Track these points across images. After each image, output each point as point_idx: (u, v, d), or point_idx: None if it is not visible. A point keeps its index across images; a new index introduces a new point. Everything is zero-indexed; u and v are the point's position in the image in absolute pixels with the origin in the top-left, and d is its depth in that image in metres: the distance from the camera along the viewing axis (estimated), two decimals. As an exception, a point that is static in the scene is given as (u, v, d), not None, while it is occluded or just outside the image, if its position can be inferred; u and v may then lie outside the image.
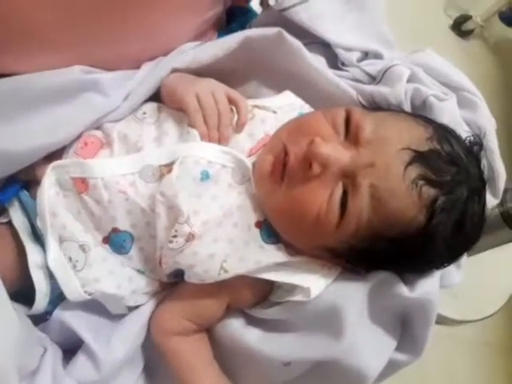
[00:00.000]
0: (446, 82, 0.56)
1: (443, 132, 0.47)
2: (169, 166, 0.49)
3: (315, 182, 0.45)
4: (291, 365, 0.48)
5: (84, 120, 0.50)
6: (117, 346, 0.49)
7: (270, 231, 0.49)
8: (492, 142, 0.54)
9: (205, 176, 0.48)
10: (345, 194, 0.44)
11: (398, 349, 0.50)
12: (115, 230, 0.49)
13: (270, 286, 0.51)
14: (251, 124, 0.52)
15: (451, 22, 2.10)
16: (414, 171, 0.43)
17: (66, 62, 0.50)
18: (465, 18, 2.05)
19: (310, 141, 0.45)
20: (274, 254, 0.47)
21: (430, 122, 0.48)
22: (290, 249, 0.49)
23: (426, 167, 0.43)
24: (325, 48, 0.58)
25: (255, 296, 0.51)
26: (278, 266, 0.48)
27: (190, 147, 0.49)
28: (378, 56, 0.57)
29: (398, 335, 0.51)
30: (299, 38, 0.55)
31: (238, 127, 0.52)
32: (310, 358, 0.48)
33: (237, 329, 0.50)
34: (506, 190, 0.78)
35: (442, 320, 0.99)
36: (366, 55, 0.59)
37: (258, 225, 0.48)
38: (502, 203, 0.89)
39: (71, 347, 0.51)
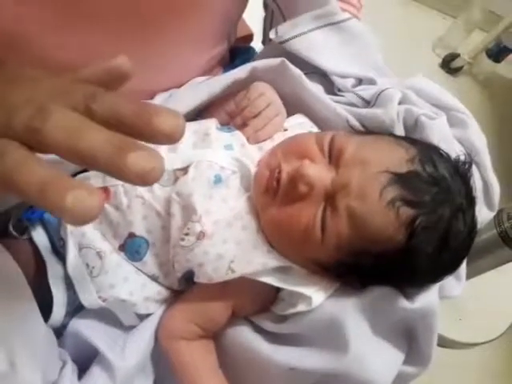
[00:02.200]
0: (435, 103, 0.60)
1: (428, 152, 0.49)
2: (183, 170, 0.52)
3: (304, 200, 0.48)
4: (297, 370, 0.49)
5: None
6: (130, 353, 0.50)
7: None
8: (484, 158, 0.57)
9: (218, 179, 0.52)
10: (324, 214, 0.47)
11: (406, 362, 0.51)
12: (131, 236, 0.52)
13: (274, 294, 0.53)
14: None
15: (440, 60, 2.20)
16: (391, 193, 0.45)
17: None
18: (453, 56, 2.14)
19: (299, 163, 0.48)
20: (279, 259, 0.49)
21: (415, 143, 0.50)
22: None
23: (403, 188, 0.45)
24: (322, 77, 0.63)
25: (259, 301, 0.53)
26: (282, 274, 0.50)
27: (203, 153, 0.53)
28: (371, 82, 0.62)
29: (405, 348, 0.52)
30: (299, 68, 0.59)
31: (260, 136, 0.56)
32: (317, 368, 0.48)
33: (246, 336, 0.52)
34: (501, 210, 0.81)
35: (445, 343, 0.99)
36: (360, 82, 0.63)
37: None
38: (499, 224, 0.91)
39: (86, 361, 0.52)
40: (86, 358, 0.52)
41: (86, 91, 0.28)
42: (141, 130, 0.28)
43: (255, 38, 0.85)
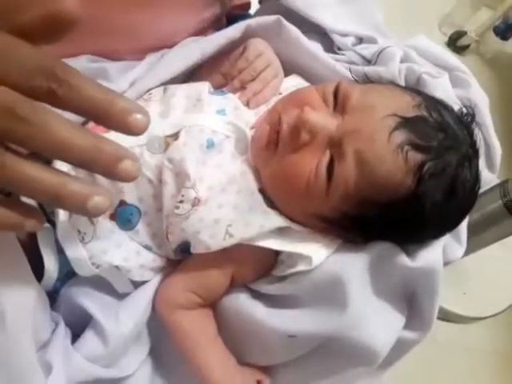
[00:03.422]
0: (437, 62, 0.58)
1: (433, 102, 0.48)
2: (174, 136, 0.50)
3: (305, 150, 0.47)
4: (296, 337, 0.48)
5: None
6: (124, 320, 0.49)
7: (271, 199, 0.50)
8: (486, 117, 0.56)
9: (210, 144, 0.50)
10: (331, 161, 0.46)
11: (406, 326, 0.50)
12: (122, 203, 0.50)
13: (273, 258, 0.52)
14: None
15: (446, 38, 2.16)
16: (400, 137, 0.43)
17: (77, 52, 0.53)
18: (460, 34, 2.10)
19: (300, 110, 0.47)
20: (276, 219, 0.48)
21: (420, 93, 0.50)
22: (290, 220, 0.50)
23: (411, 133, 0.44)
24: (321, 36, 0.61)
25: (259, 268, 0.52)
26: (280, 236, 0.49)
27: (194, 118, 0.51)
28: (372, 41, 0.60)
29: (405, 312, 0.50)
30: (296, 27, 0.57)
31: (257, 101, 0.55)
32: (316, 331, 0.47)
33: (242, 302, 0.51)
34: (506, 181, 0.79)
35: (449, 317, 0.98)
36: (360, 41, 0.61)
37: (262, 191, 0.50)
38: (504, 194, 0.89)
39: (79, 327, 0.51)
40: (79, 324, 0.51)
41: (42, 66, 0.28)
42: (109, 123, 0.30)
43: (252, 7, 0.82)
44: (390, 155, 0.44)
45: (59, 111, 0.28)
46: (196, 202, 0.48)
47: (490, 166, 0.56)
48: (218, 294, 0.52)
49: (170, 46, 0.59)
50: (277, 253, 0.51)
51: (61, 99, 0.28)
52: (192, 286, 0.51)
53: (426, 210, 0.45)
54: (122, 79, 0.54)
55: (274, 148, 0.48)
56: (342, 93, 0.48)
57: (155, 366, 0.54)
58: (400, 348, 0.49)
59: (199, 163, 0.49)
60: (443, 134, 0.45)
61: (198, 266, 0.51)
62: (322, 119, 0.46)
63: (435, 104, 0.48)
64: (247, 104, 0.55)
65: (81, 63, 0.53)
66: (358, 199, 0.45)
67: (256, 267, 0.52)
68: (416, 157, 0.44)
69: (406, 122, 0.44)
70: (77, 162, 0.29)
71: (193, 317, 0.51)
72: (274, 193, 0.49)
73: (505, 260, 1.09)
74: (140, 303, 0.51)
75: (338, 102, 0.48)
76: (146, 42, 0.58)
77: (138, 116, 0.29)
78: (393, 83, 0.53)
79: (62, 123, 0.28)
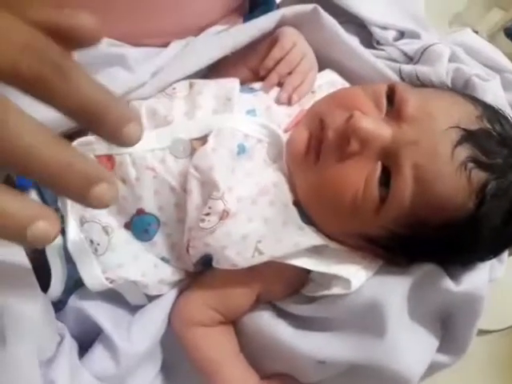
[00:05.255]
0: (487, 63, 0.54)
1: (493, 111, 0.44)
2: (202, 140, 0.45)
3: (352, 160, 0.41)
4: (326, 363, 0.44)
5: None
6: (138, 337, 0.45)
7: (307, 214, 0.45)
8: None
9: (241, 150, 0.45)
10: (385, 174, 0.41)
11: (439, 350, 0.46)
12: (140, 212, 0.45)
13: (305, 277, 0.47)
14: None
15: (456, 37, 2.12)
16: (464, 152, 0.39)
17: None
18: (470, 34, 2.07)
19: (349, 115, 0.41)
20: (313, 236, 0.43)
21: (477, 100, 0.45)
22: (327, 237, 0.45)
23: (476, 148, 0.39)
24: (358, 28, 0.56)
25: (288, 287, 0.47)
26: (315, 254, 0.44)
27: (225, 119, 0.46)
28: (414, 35, 0.55)
29: (439, 335, 0.46)
30: (332, 17, 0.52)
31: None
32: (347, 359, 0.43)
33: (268, 322, 0.46)
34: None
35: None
36: (401, 35, 0.56)
37: (297, 204, 0.45)
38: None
39: (87, 339, 0.47)
40: (87, 336, 0.47)
41: (36, 44, 0.21)
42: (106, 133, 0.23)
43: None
44: (452, 173, 0.39)
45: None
46: (224, 215, 0.43)
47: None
48: (241, 313, 0.47)
49: (195, 33, 0.54)
50: (308, 270, 0.46)
51: (51, 90, 0.21)
52: (213, 304, 0.46)
53: (482, 234, 0.41)
54: (142, 68, 0.48)
55: (314, 157, 0.43)
56: (399, 97, 0.42)
57: (166, 383, 0.50)
58: (430, 370, 0.46)
59: (228, 171, 0.44)
60: (507, 150, 0.41)
61: (220, 283, 0.46)
62: (377, 127, 0.41)
63: (496, 114, 0.43)
64: (288, 101, 0.49)
65: (101, 47, 0.48)
66: (412, 219, 0.40)
67: (285, 286, 0.47)
68: (480, 176, 0.39)
69: (469, 136, 0.39)
70: (38, 180, 0.22)
71: (212, 333, 0.47)
72: (312, 207, 0.44)
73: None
74: (156, 319, 0.46)
75: (393, 107, 0.43)
76: (168, 23, 0.52)
77: (134, 127, 0.23)
78: (449, 88, 0.49)
79: (28, 125, 0.21)
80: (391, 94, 0.43)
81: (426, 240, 0.41)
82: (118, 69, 0.48)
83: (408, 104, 0.41)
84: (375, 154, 0.41)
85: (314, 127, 0.44)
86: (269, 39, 0.51)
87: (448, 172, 0.39)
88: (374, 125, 0.41)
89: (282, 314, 0.47)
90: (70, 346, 0.44)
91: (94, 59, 0.47)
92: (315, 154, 0.43)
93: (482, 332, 1.01)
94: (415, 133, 0.40)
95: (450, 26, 2.16)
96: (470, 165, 0.39)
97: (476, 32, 2.08)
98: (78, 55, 0.49)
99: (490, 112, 0.43)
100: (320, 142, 0.43)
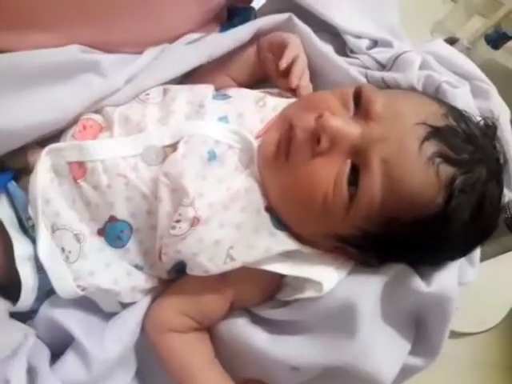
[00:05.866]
0: (457, 70, 0.54)
1: (457, 111, 0.45)
2: (173, 146, 0.45)
3: (321, 159, 0.42)
4: (299, 370, 0.44)
5: (81, 100, 0.47)
6: (110, 344, 0.44)
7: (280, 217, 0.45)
8: (506, 132, 0.52)
9: (212, 156, 0.45)
10: (354, 172, 0.41)
11: (412, 352, 0.47)
12: (112, 219, 0.45)
13: (278, 282, 0.47)
14: (262, 111, 0.49)
15: (438, 44, 2.14)
16: (431, 147, 0.40)
17: (65, 42, 0.48)
18: (452, 41, 2.09)
19: (318, 115, 0.42)
20: (284, 242, 0.43)
21: (442, 101, 0.46)
22: (300, 239, 0.45)
23: (443, 143, 0.40)
24: (332, 36, 0.57)
25: (262, 293, 0.47)
26: (287, 258, 0.44)
27: (196, 126, 0.46)
28: (387, 44, 0.56)
29: (412, 337, 0.47)
30: (306, 25, 0.53)
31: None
32: (320, 362, 0.44)
33: (242, 328, 0.47)
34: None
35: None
36: (375, 44, 0.57)
37: (269, 209, 0.45)
38: (504, 210, 0.87)
39: (60, 348, 0.46)
40: (59, 344, 0.46)
41: None
42: None
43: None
44: (420, 167, 0.40)
45: None
46: (195, 222, 0.43)
47: (508, 184, 0.53)
48: (216, 319, 0.47)
49: (171, 40, 0.54)
50: (282, 275, 0.46)
51: None
52: (187, 310, 0.46)
53: (452, 230, 0.41)
54: (117, 74, 0.48)
55: (284, 158, 0.44)
56: (365, 97, 0.43)
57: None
58: (404, 373, 0.46)
59: (199, 177, 0.44)
60: (472, 147, 0.41)
61: (193, 289, 0.46)
62: (346, 125, 0.42)
63: (460, 114, 0.44)
64: (296, 90, 0.52)
65: (72, 54, 0.47)
66: (383, 216, 0.41)
67: (259, 292, 0.47)
68: (447, 170, 0.40)
69: (436, 132, 0.40)
70: None
71: (187, 340, 0.47)
72: (284, 209, 0.44)
73: (496, 275, 1.08)
74: (128, 325, 0.46)
75: (361, 107, 0.43)
76: (144, 32, 0.52)
77: None
78: (415, 90, 0.50)
79: None
80: (358, 96, 0.44)
81: (397, 238, 0.42)
82: (92, 75, 0.48)
83: (375, 103, 0.42)
84: (344, 153, 0.42)
85: (284, 130, 0.44)
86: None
87: (416, 167, 0.40)
88: (343, 123, 0.42)
89: (257, 320, 0.47)
90: (35, 348, 0.44)
91: (67, 64, 0.47)
92: (285, 155, 0.43)
93: (463, 334, 1.03)
94: (383, 130, 0.41)
95: (431, 33, 2.19)
96: (438, 160, 0.40)
97: (457, 39, 2.11)
98: (50, 60, 0.49)
99: (455, 111, 0.44)
100: (289, 142, 0.43)
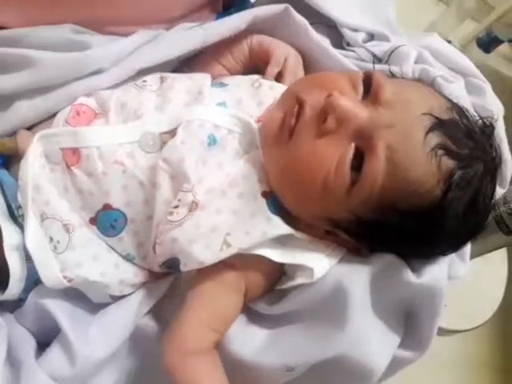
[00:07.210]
0: (452, 66, 0.55)
1: (459, 107, 0.45)
2: (171, 133, 0.45)
3: (326, 139, 0.41)
4: (295, 369, 0.44)
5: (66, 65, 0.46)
6: (96, 340, 0.43)
7: (276, 203, 0.45)
8: (500, 129, 0.53)
9: (212, 141, 0.45)
10: (358, 156, 0.41)
11: (402, 345, 0.47)
12: (107, 207, 0.44)
13: (280, 271, 0.47)
14: (259, 92, 0.49)
15: (430, 47, 2.16)
16: (435, 138, 0.40)
17: (59, 17, 0.47)
18: (444, 44, 2.12)
19: (327, 94, 0.42)
20: (279, 226, 0.43)
21: (444, 95, 0.46)
22: (294, 225, 0.45)
23: (446, 136, 0.40)
24: (329, 29, 0.57)
25: (268, 281, 0.47)
26: (281, 246, 0.44)
27: (195, 111, 0.46)
28: (384, 38, 0.56)
29: (402, 328, 0.47)
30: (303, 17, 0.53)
31: None
32: (315, 358, 0.43)
33: (232, 347, 0.44)
34: (497, 194, 0.77)
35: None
36: (371, 37, 0.57)
37: (265, 195, 0.44)
38: (494, 208, 0.88)
39: (47, 337, 0.45)
40: (46, 333, 0.45)
41: None
42: None
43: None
44: (424, 157, 0.40)
45: None
46: (193, 207, 0.42)
47: (500, 181, 0.53)
48: (232, 321, 0.45)
49: (165, 22, 0.53)
50: (282, 264, 0.46)
51: None
52: (208, 321, 0.43)
53: (446, 223, 0.42)
54: (97, 52, 0.47)
55: (287, 135, 0.43)
56: (376, 82, 0.43)
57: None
58: (394, 366, 0.46)
59: (199, 163, 0.44)
60: (473, 143, 0.42)
61: (207, 297, 0.44)
62: (354, 107, 0.41)
63: (462, 110, 0.44)
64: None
65: (63, 33, 0.47)
66: (381, 203, 0.41)
67: (266, 278, 0.46)
68: (448, 163, 0.40)
69: (441, 124, 0.40)
70: None
71: (208, 363, 0.43)
72: (284, 189, 0.44)
73: (485, 272, 1.09)
74: (117, 321, 0.45)
75: (370, 91, 0.43)
76: (128, 8, 0.51)
77: None
78: (421, 81, 0.50)
79: None
80: (367, 80, 0.44)
81: (390, 226, 0.42)
82: (77, 54, 0.47)
83: (385, 89, 0.42)
84: (350, 135, 0.41)
85: (290, 105, 0.43)
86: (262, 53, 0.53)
87: (420, 156, 0.40)
88: (352, 104, 0.41)
89: (251, 319, 0.47)
90: (20, 341, 0.44)
91: (58, 43, 0.46)
92: (288, 132, 0.43)
93: (451, 332, 1.04)
94: (391, 116, 0.41)
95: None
96: (440, 152, 0.40)
97: (449, 42, 2.13)
98: (39, 40, 0.49)
99: (458, 107, 0.44)
100: (296, 118, 0.42)
